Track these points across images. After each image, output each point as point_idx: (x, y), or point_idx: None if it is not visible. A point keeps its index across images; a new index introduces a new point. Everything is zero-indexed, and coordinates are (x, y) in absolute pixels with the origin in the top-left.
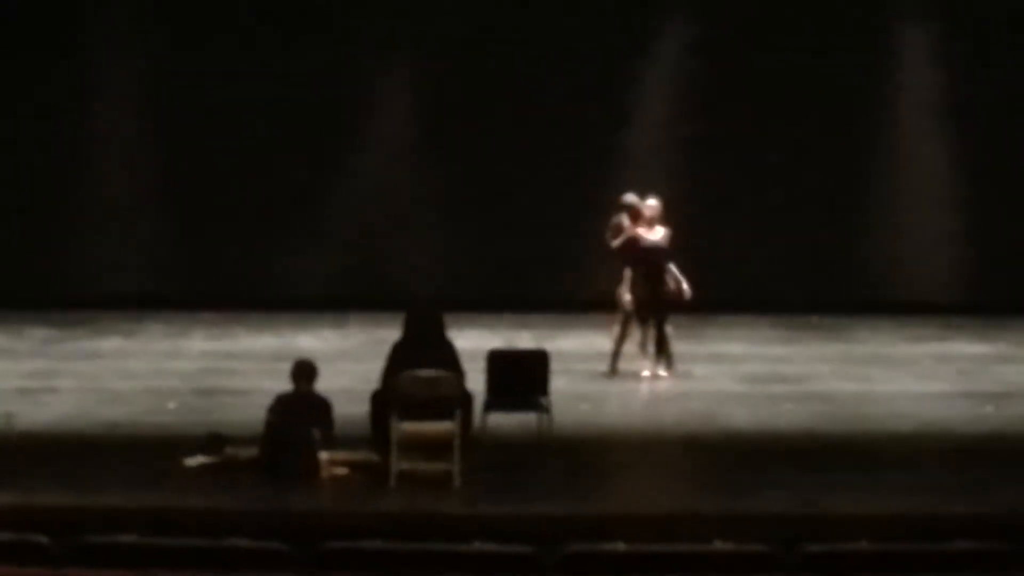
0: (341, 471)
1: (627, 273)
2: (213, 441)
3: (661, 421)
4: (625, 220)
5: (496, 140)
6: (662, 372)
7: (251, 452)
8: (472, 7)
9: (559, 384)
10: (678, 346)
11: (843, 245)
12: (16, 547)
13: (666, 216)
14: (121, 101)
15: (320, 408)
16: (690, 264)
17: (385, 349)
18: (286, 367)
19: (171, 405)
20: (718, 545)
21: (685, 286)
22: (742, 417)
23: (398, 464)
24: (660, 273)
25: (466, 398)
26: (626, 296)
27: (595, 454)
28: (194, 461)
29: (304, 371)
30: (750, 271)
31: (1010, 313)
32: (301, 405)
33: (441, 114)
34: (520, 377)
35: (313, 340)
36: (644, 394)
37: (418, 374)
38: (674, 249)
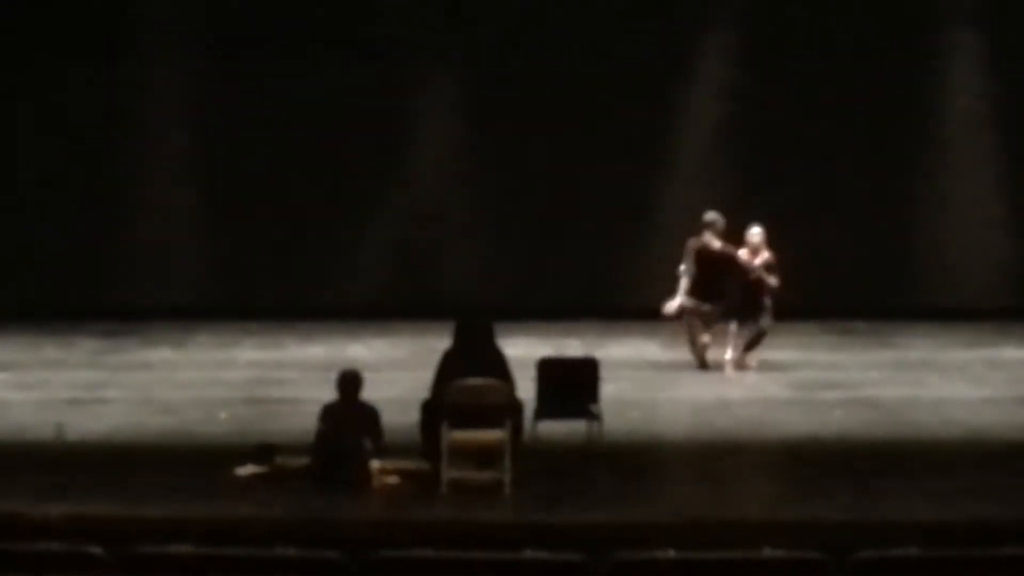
0: (392, 480)
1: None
2: (264, 451)
3: (711, 428)
4: (714, 241)
5: (545, 148)
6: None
7: (302, 461)
8: (518, 14)
9: (609, 392)
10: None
11: (894, 250)
12: (69, 558)
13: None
14: (168, 111)
15: (369, 417)
16: None
17: (435, 358)
18: (336, 376)
19: (222, 415)
20: (768, 552)
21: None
22: (792, 424)
23: (448, 472)
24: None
25: (516, 406)
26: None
27: (645, 462)
28: (245, 471)
29: (349, 381)
30: (800, 277)
31: None
32: (351, 414)
33: (490, 121)
34: (570, 385)
35: (363, 349)
36: (694, 401)
37: (468, 382)
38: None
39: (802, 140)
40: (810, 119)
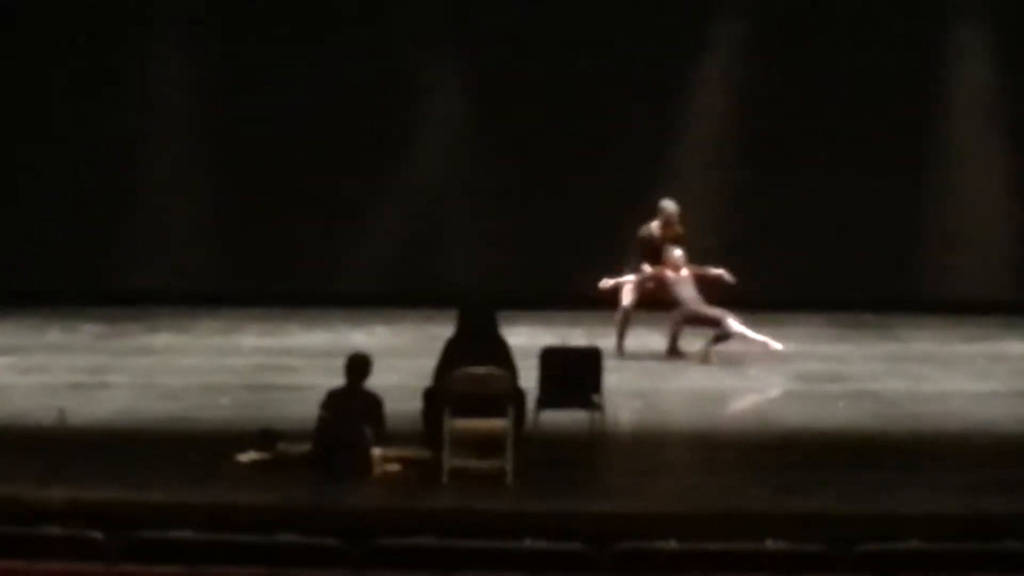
0: (393, 468)
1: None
2: (265, 437)
3: (714, 419)
4: (655, 230)
5: (549, 136)
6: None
7: (303, 448)
8: (523, 3)
9: (612, 382)
10: (732, 345)
11: (897, 243)
12: (71, 542)
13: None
14: (173, 97)
15: (372, 404)
16: (744, 262)
17: (438, 346)
18: (339, 363)
19: (224, 401)
20: (770, 544)
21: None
22: (795, 415)
23: (450, 461)
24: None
25: (519, 395)
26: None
27: (648, 452)
28: (246, 457)
29: (358, 366)
30: (804, 269)
31: None
32: (353, 401)
33: (494, 110)
34: (573, 374)
35: (366, 336)
36: (697, 392)
37: (471, 371)
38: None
39: (807, 132)
40: (816, 111)
